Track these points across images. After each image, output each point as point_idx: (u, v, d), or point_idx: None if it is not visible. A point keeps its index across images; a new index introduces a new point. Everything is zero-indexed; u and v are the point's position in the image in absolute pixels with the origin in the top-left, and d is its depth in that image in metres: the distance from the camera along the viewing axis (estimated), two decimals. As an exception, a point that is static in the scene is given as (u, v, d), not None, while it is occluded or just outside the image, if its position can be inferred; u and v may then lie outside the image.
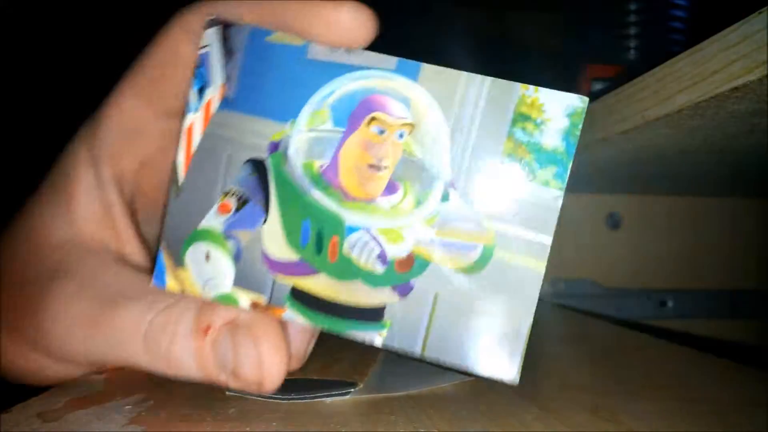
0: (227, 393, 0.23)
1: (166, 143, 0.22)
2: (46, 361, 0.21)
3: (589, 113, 0.37)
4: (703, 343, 0.37)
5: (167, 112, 0.21)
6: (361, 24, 0.17)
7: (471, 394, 0.23)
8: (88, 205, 0.21)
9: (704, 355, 0.34)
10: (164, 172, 0.22)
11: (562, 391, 0.25)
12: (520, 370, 0.18)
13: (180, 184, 0.19)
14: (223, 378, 0.18)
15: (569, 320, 0.50)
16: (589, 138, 0.37)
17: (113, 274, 0.20)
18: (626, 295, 0.60)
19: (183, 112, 0.20)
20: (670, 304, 0.51)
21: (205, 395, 0.23)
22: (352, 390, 0.23)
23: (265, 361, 0.18)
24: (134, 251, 0.22)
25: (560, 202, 0.17)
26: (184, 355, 0.18)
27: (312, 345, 0.22)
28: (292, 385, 0.23)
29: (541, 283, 0.17)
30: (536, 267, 0.17)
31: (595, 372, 0.29)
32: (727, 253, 0.62)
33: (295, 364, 0.21)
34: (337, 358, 0.27)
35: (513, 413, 0.21)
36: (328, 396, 0.22)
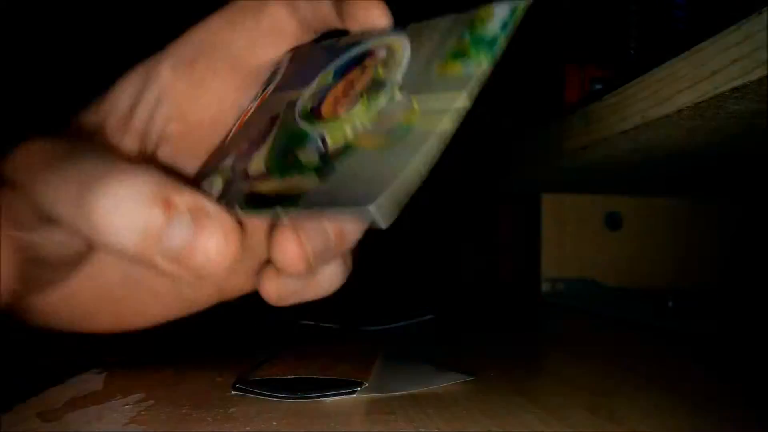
0: (231, 393, 0.23)
1: (217, 112, 0.23)
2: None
3: (589, 113, 0.37)
4: (703, 343, 0.37)
5: (244, 77, 0.23)
6: (381, 17, 0.21)
7: (471, 394, 0.24)
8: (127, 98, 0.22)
9: (704, 355, 0.34)
10: (194, 133, 0.23)
11: (561, 391, 0.25)
12: (384, 209, 0.15)
13: (226, 143, 0.22)
14: (157, 256, 0.17)
15: (569, 320, 0.50)
16: (589, 138, 0.37)
17: (98, 152, 0.20)
18: (626, 295, 0.60)
19: (251, 83, 0.23)
20: (670, 304, 0.51)
21: (205, 394, 0.23)
22: (353, 390, 0.23)
23: (221, 250, 0.17)
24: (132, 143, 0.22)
25: (484, 68, 0.17)
26: (125, 221, 0.17)
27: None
28: (293, 384, 0.23)
29: (438, 142, 0.16)
30: (442, 126, 0.16)
31: (595, 371, 0.29)
32: (727, 253, 0.63)
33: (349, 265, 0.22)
34: (337, 359, 0.27)
35: (513, 413, 0.21)
36: (328, 396, 0.22)
